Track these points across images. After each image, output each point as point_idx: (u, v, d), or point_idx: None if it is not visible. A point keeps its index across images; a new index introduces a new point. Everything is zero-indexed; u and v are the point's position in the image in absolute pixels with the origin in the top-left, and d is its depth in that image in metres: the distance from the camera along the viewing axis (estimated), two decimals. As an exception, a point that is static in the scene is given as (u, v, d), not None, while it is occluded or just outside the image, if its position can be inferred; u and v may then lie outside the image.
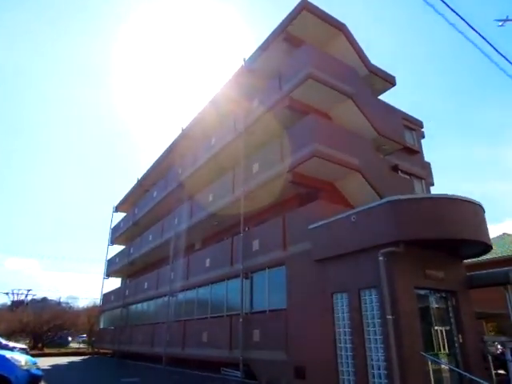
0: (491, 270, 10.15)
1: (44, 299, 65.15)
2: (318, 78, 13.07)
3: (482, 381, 7.82)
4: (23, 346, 17.49)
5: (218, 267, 15.44)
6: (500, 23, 6.70)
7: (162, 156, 25.27)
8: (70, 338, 49.76)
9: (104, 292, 31.23)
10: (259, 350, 11.98)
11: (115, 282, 33.93)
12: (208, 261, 16.29)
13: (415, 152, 19.60)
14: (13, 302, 49.88)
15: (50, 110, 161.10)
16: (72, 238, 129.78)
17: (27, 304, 49.05)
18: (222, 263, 15.20)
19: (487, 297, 16.19)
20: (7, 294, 49.10)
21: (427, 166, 20.47)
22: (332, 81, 13.46)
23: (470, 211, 9.00)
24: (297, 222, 11.76)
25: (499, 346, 14.75)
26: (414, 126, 20.31)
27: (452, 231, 8.46)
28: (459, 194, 8.96)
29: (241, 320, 12.82)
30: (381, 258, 8.45)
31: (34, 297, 52.95)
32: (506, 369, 13.51)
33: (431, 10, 6.75)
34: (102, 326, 31.55)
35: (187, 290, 17.81)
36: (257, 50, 16.31)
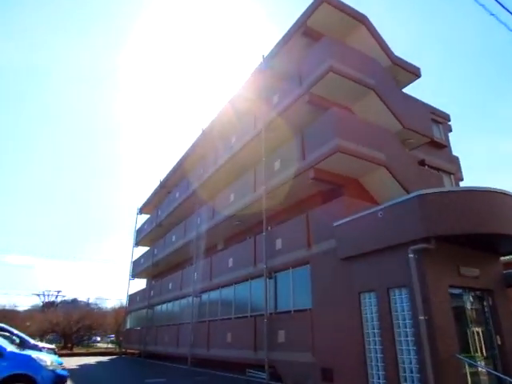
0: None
1: (74, 300, 67.06)
2: (339, 71, 12.69)
3: None
4: (51, 347, 17.83)
5: (241, 267, 15.27)
6: None
7: (182, 157, 25.37)
8: (98, 338, 50.96)
9: (130, 293, 31.73)
10: (284, 351, 11.71)
11: (141, 283, 34.40)
12: (231, 261, 16.15)
13: (442, 146, 18.87)
14: (44, 303, 51.42)
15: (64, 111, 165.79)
16: (100, 240, 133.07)
17: (57, 305, 50.45)
18: (245, 263, 15.02)
19: None
20: (38, 295, 50.64)
21: (455, 161, 19.65)
22: (354, 73, 13.04)
23: (506, 204, 8.44)
24: (320, 220, 11.43)
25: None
26: (441, 119, 19.55)
27: (487, 225, 7.95)
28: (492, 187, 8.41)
29: (265, 320, 12.58)
30: (411, 256, 8.03)
31: (64, 298, 54.31)
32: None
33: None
34: (128, 327, 31.99)
35: (211, 290, 17.73)
36: (276, 46, 16.06)
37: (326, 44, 13.31)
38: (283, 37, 15.65)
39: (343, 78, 12.84)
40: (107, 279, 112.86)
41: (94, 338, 49.24)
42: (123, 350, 30.93)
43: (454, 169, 18.57)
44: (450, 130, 20.66)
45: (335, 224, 10.36)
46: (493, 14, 6.92)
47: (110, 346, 42.01)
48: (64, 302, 61.08)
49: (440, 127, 19.49)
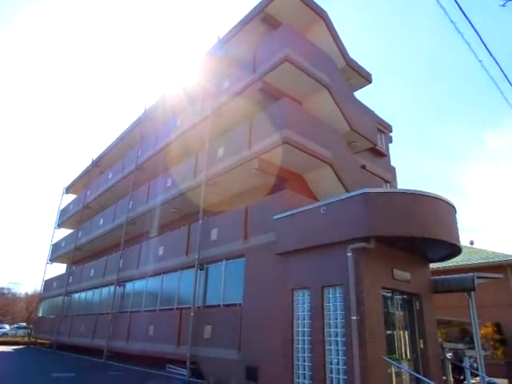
0: (457, 275, 9.86)
1: (-20, 284, 60.52)
2: (295, 62, 12.29)
3: None
4: None
5: (171, 256, 14.33)
6: (502, 2, 6.23)
7: (120, 136, 23.60)
8: (7, 326, 46.35)
9: (46, 278, 28.99)
10: (209, 348, 11.06)
11: (61, 269, 31.58)
12: (161, 249, 15.12)
13: (383, 155, 19.46)
14: None
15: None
16: (19, 220, 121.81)
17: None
18: (176, 252, 14.10)
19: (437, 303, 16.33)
20: None
21: (393, 170, 20.38)
22: (309, 67, 12.73)
23: (444, 210, 8.57)
24: (260, 213, 10.94)
25: (449, 354, 14.82)
26: (384, 128, 20.17)
27: (427, 230, 7.97)
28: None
29: (192, 314, 11.81)
30: (349, 254, 7.80)
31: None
32: (454, 376, 13.57)
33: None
34: (40, 315, 29.24)
35: (136, 279, 16.52)
36: (232, 29, 15.29)
37: (285, 33, 12.86)
38: (241, 20, 14.94)
39: (298, 69, 12.45)
40: (24, 262, 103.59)
41: (0, 325, 44.73)
42: (33, 339, 28.18)
43: (390, 178, 19.21)
44: (391, 141, 21.43)
45: (275, 217, 9.92)
46: (452, 22, 6.90)
47: (19, 334, 38.28)
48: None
49: (382, 136, 20.10)
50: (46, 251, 30.04)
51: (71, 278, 24.01)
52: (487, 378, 9.08)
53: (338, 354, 7.78)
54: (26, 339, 29.40)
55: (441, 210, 8.47)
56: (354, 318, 7.42)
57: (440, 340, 20.17)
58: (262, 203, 11.21)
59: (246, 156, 12.17)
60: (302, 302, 8.85)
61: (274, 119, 11.79)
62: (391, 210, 7.91)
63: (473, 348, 9.71)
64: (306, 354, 8.38)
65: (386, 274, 8.38)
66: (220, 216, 12.83)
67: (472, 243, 28.79)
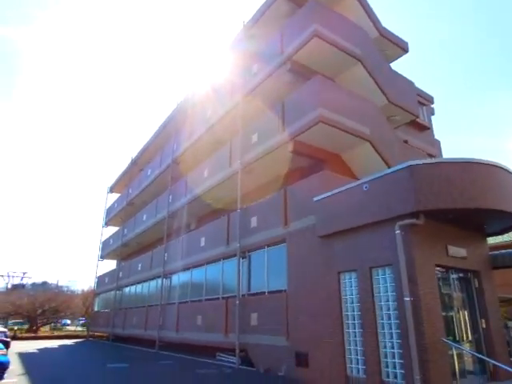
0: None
1: (44, 283, 64.84)
2: (325, 37, 11.73)
3: (507, 367, 6.77)
4: (2, 329, 16.53)
5: (213, 246, 14.36)
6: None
7: (156, 133, 24.00)
8: (68, 321, 49.38)
9: (99, 275, 30.37)
10: (257, 335, 10.98)
11: (112, 265, 32.98)
12: (203, 240, 15.20)
13: (425, 128, 18.42)
14: (8, 285, 49.12)
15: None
16: (71, 221, 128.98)
17: (23, 286, 48.36)
18: (217, 242, 14.11)
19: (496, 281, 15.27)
20: (2, 276, 48.27)
21: (437, 144, 19.24)
22: (340, 41, 12.11)
23: (501, 178, 7.81)
24: (299, 196, 10.60)
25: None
26: (425, 101, 19.06)
27: (482, 200, 7.29)
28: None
29: (237, 302, 11.78)
30: (398, 232, 7.32)
31: (30, 279, 52.11)
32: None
33: None
34: (96, 309, 30.74)
35: (181, 271, 16.78)
36: (257, 12, 14.90)
37: (312, 7, 12.27)
38: (265, 2, 14.49)
39: (329, 44, 11.89)
40: (80, 261, 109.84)
41: (64, 320, 47.71)
42: (91, 332, 29.74)
43: (435, 152, 18.14)
44: (433, 113, 20.19)
45: (315, 199, 9.54)
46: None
47: (79, 328, 40.66)
48: (34, 285, 58.91)
49: (424, 109, 19.01)
50: (97, 249, 31.42)
51: (121, 273, 24.93)
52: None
53: (391, 338, 7.37)
54: (84, 333, 31.12)
55: (497, 177, 7.72)
56: (408, 299, 6.97)
57: (504, 319, 19.06)
58: (301, 186, 10.86)
59: (279, 139, 11.84)
60: (350, 284, 8.48)
61: (306, 99, 11.35)
62: (440, 182, 7.30)
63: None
64: (357, 338, 8.03)
65: (439, 251, 7.81)
66: (259, 203, 12.64)
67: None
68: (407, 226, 7.35)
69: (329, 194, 9.14)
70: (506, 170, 7.94)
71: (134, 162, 27.54)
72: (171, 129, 21.59)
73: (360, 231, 8.29)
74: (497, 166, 7.77)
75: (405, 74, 15.23)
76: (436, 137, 19.41)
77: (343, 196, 8.81)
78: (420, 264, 7.24)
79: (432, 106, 19.95)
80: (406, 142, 15.72)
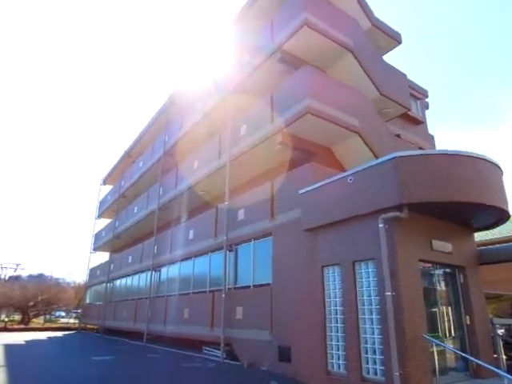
0: (506, 244, 8.91)
1: (40, 275, 64.65)
2: (315, 26, 11.45)
3: (489, 366, 6.63)
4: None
5: (201, 239, 14.19)
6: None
7: (148, 124, 23.70)
8: (63, 313, 49.33)
9: (91, 267, 30.21)
10: (242, 329, 10.84)
11: (105, 257, 32.80)
12: (191, 233, 15.03)
13: (419, 122, 18.22)
14: (10, 277, 48.95)
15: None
16: (65, 213, 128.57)
17: (16, 278, 48.19)
18: (205, 235, 13.94)
19: (485, 278, 15.20)
20: (-4, 267, 48.05)
21: (431, 139, 19.04)
22: (331, 31, 11.83)
23: (488, 171, 7.63)
24: (286, 188, 10.41)
25: (500, 330, 13.75)
26: (419, 94, 18.82)
27: (467, 193, 7.11)
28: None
29: (223, 296, 11.64)
30: (381, 225, 7.15)
31: (24, 271, 51.92)
32: (507, 353, 12.56)
33: None
34: (88, 301, 30.64)
35: (170, 264, 16.63)
36: (248, 1, 14.57)
37: (302, -4, 11.98)
38: (256, -10, 14.17)
39: (319, 34, 11.61)
40: (77, 253, 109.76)
41: (58, 312, 47.66)
42: (82, 325, 29.68)
43: (428, 146, 17.93)
44: (427, 107, 19.98)
45: (300, 192, 9.36)
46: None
47: (71, 321, 40.59)
48: (30, 277, 58.67)
49: (417, 103, 18.78)
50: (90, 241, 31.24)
51: (112, 265, 24.77)
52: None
53: (373, 333, 7.23)
54: (77, 325, 31.06)
55: (483, 171, 7.54)
56: (389, 293, 6.82)
57: (490, 316, 19.03)
58: (288, 178, 10.66)
59: (268, 131, 11.62)
60: (333, 279, 8.32)
61: (294, 89, 11.12)
62: (425, 174, 7.12)
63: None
64: (339, 334, 7.89)
65: (423, 245, 7.64)
66: (246, 195, 12.44)
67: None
68: (391, 219, 7.17)
69: (314, 186, 8.96)
70: (492, 163, 7.76)
71: (126, 154, 27.26)
72: (163, 120, 21.31)
73: (344, 225, 8.12)
74: (482, 159, 7.59)
75: (400, 67, 14.99)
76: (430, 131, 19.23)
77: (328, 189, 8.62)
78: (403, 258, 7.07)
79: (426, 99, 19.73)
80: (398, 135, 15.51)
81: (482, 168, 7.62)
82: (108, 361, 11.36)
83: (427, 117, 19.49)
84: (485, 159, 7.68)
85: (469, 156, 7.54)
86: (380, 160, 7.63)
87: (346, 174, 8.28)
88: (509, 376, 5.63)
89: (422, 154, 7.51)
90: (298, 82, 11.14)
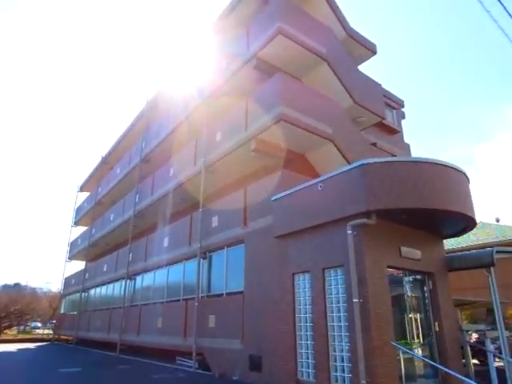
0: (474, 251, 9.04)
1: (17, 284, 62.57)
2: (290, 34, 11.55)
3: (456, 373, 6.65)
4: None
5: (176, 247, 13.97)
6: None
7: (126, 130, 23.37)
8: (39, 324, 47.70)
9: (66, 276, 29.38)
10: (214, 338, 10.65)
11: (81, 266, 31.94)
12: (166, 240, 14.79)
13: (395, 132, 18.49)
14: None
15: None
16: (47, 221, 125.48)
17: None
18: (180, 243, 13.73)
19: (460, 285, 15.42)
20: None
21: (407, 148, 19.37)
22: (306, 40, 11.95)
23: (454, 179, 7.75)
24: (259, 195, 10.35)
25: (473, 335, 13.93)
26: (395, 104, 19.14)
27: (434, 200, 7.19)
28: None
29: (196, 304, 11.44)
30: (349, 232, 7.15)
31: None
32: (480, 359, 12.71)
33: None
34: (62, 311, 29.73)
35: (145, 272, 16.30)
36: (226, 9, 14.61)
37: (278, 5, 12.08)
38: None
39: (294, 43, 11.71)
40: (55, 262, 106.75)
41: (34, 323, 46.07)
42: (56, 336, 28.70)
43: (404, 155, 18.23)
44: (403, 117, 20.36)
45: (272, 199, 9.32)
46: (488, 11, 6.32)
47: (47, 331, 39.23)
48: (6, 286, 56.68)
49: (394, 112, 19.09)
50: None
51: (87, 274, 24.14)
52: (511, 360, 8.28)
53: (341, 341, 7.19)
54: (50, 336, 30.02)
55: (450, 178, 7.66)
56: (356, 300, 6.80)
57: (465, 322, 19.30)
58: (260, 185, 10.62)
59: (242, 138, 11.58)
60: (304, 286, 8.27)
61: (268, 96, 11.14)
62: (393, 181, 7.18)
63: (496, 329, 8.87)
64: (309, 342, 7.82)
65: (392, 252, 7.67)
66: (220, 202, 12.33)
67: (498, 220, 27.42)
68: (359, 226, 7.19)
69: (285, 193, 8.94)
70: (459, 171, 7.89)
71: (104, 161, 26.78)
72: (141, 126, 21.06)
73: (314, 231, 8.10)
74: (449, 167, 7.71)
75: (379, 78, 15.22)
76: (407, 141, 19.57)
77: (299, 196, 8.61)
78: (370, 265, 7.07)
79: (402, 109, 20.10)
80: (374, 144, 15.70)
81: (449, 175, 7.74)
82: (74, 373, 10.96)
83: (404, 126, 19.86)
84: (452, 167, 7.80)
85: (436, 163, 7.64)
86: (349, 167, 7.67)
87: (316, 180, 8.28)
88: (473, 383, 5.64)
89: (390, 161, 7.58)
90: (272, 89, 11.16)
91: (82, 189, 31.52)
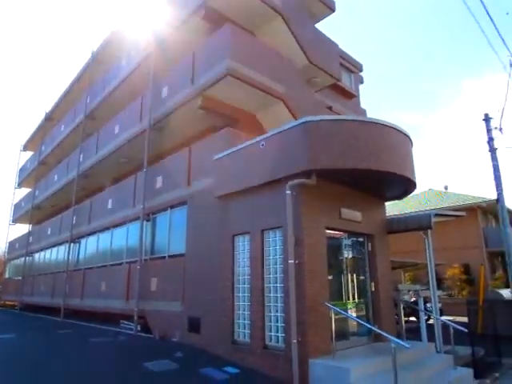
0: (414, 214, 9.18)
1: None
2: (241, -18, 10.70)
3: (382, 332, 6.71)
4: None
5: (119, 209, 13.33)
6: None
7: (70, 85, 21.60)
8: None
9: (10, 240, 27.88)
10: (155, 301, 10.39)
11: (26, 229, 30.30)
12: (110, 202, 14.07)
13: (352, 96, 18.29)
14: None
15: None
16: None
17: None
18: (124, 204, 13.09)
19: (406, 248, 16.04)
20: None
21: (363, 113, 19.32)
22: (258, -11, 11.14)
23: (397, 141, 7.62)
24: (203, 155, 9.86)
25: (414, 297, 14.68)
26: (353, 67, 18.80)
27: (374, 161, 7.02)
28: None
29: (138, 267, 11.05)
30: (288, 192, 6.90)
31: None
32: (417, 316, 13.45)
33: None
34: (7, 276, 28.42)
35: (89, 235, 15.58)
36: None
37: None
38: None
39: (245, -9, 10.90)
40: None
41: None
42: (2, 301, 27.53)
43: (359, 120, 18.18)
44: (362, 82, 20.15)
45: (215, 158, 8.87)
46: None
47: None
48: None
49: (351, 76, 18.79)
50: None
51: (31, 238, 22.95)
52: (440, 318, 8.68)
53: (277, 302, 7.11)
54: (-4, 302, 28.78)
55: (392, 139, 7.52)
56: (292, 261, 6.66)
57: (408, 283, 20.32)
58: (205, 144, 10.11)
59: (188, 93, 10.87)
60: (243, 248, 8.05)
61: (216, 49, 10.39)
62: (335, 141, 6.92)
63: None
64: (245, 303, 7.70)
65: (331, 213, 7.56)
66: (164, 161, 11.74)
67: (446, 188, 28.71)
68: (298, 186, 6.94)
69: (227, 152, 8.50)
70: (402, 133, 7.77)
71: (47, 117, 24.84)
72: (86, 80, 19.47)
73: (255, 192, 7.79)
74: (393, 128, 7.55)
75: (338, 40, 14.67)
76: (364, 106, 19.50)
77: (241, 154, 8.21)
78: (308, 226, 6.91)
79: (360, 74, 19.85)
80: (330, 108, 15.42)
81: (392, 137, 7.60)
82: (6, 339, 10.37)
83: (361, 92, 19.72)
84: (395, 128, 7.65)
85: (380, 124, 7.45)
86: (291, 124, 7.30)
87: (258, 138, 7.88)
88: (396, 340, 5.74)
89: (333, 120, 7.32)
90: (219, 41, 10.42)
91: (25, 148, 29.39)
